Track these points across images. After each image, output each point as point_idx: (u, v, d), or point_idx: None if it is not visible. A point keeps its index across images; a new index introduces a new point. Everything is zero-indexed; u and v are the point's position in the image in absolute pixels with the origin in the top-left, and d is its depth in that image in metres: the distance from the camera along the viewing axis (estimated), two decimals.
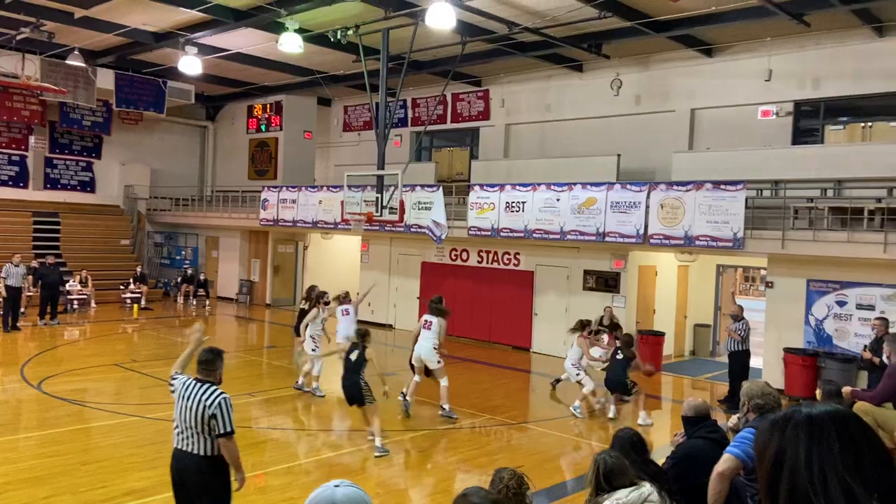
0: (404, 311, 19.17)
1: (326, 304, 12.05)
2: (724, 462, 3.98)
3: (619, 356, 10.70)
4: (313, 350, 11.70)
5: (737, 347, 12.01)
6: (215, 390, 4.94)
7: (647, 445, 4.33)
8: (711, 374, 14.36)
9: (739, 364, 11.95)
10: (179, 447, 5.01)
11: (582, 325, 11.50)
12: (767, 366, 13.02)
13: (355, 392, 8.71)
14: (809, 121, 15.39)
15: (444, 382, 10.56)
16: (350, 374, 8.74)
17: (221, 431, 4.84)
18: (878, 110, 14.56)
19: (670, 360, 15.48)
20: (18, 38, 17.31)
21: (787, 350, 12.67)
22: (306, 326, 11.74)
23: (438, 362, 10.59)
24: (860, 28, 13.76)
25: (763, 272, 16.83)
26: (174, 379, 5.19)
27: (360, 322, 19.69)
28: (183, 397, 4.96)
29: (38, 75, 19.42)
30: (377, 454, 8.56)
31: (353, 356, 8.78)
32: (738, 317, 12.18)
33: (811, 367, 12.36)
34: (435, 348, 10.52)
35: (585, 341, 11.42)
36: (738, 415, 4.48)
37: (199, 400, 4.87)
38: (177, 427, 5.02)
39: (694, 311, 16.56)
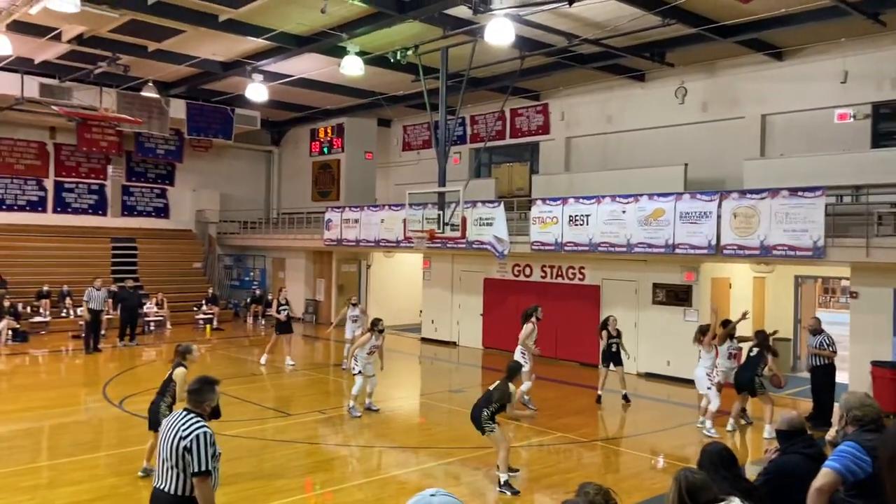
0: (467, 328, 19.09)
1: (381, 331, 11.58)
2: (823, 477, 3.73)
3: (752, 354, 10.78)
4: (353, 368, 11.45)
5: (819, 363, 11.44)
6: (196, 422, 4.41)
7: (738, 460, 4.11)
8: (793, 390, 13.70)
9: (824, 380, 11.37)
10: (156, 485, 4.50)
11: (702, 332, 11.19)
12: (853, 380, 12.32)
13: (152, 418, 7.84)
14: (889, 123, 14.66)
15: (523, 387, 11.14)
16: (158, 396, 7.96)
17: (195, 469, 4.28)
18: None
19: None
20: (96, 72, 18.23)
21: (875, 363, 11.96)
22: (355, 349, 11.57)
23: (523, 366, 11.12)
24: None
25: (844, 283, 16.03)
26: None
27: (428, 340, 19.83)
28: (165, 428, 4.52)
29: (115, 107, 20.39)
30: None
31: (169, 375, 7.91)
32: (816, 330, 11.61)
33: None
34: (523, 353, 11.58)
35: (708, 344, 11.00)
36: (835, 428, 4.21)
37: (177, 431, 4.37)
38: (158, 462, 4.56)
39: (772, 324, 15.80)
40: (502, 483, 7.99)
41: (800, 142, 15.23)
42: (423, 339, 20.13)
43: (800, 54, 15.42)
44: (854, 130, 14.66)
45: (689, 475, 3.44)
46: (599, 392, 12.76)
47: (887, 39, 13.96)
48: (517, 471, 8.49)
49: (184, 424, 4.39)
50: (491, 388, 8.36)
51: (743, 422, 11.27)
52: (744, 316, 11.56)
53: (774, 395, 11.47)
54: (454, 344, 19.32)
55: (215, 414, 4.66)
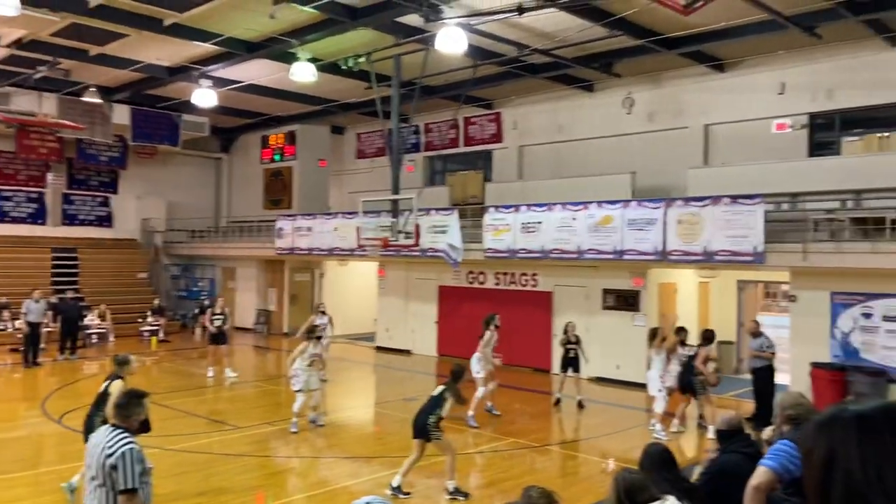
0: (422, 336, 19.07)
1: (318, 338, 11.10)
2: (759, 475, 3.84)
3: (691, 354, 11.00)
4: (294, 384, 10.95)
5: (760, 364, 11.81)
6: (123, 438, 4.24)
7: (677, 461, 4.21)
8: (736, 391, 14.09)
9: (765, 381, 11.73)
10: (86, 503, 4.37)
11: (653, 335, 11.40)
12: (794, 381, 12.74)
13: (88, 432, 7.00)
14: (825, 133, 15.27)
15: (478, 393, 11.22)
16: (93, 408, 7.47)
17: (121, 487, 4.13)
18: (894, 121, 14.40)
19: None
20: (36, 77, 17.66)
21: (814, 365, 12.41)
22: (293, 360, 11.03)
23: (477, 373, 11.49)
24: (873, 39, 13.69)
25: (784, 287, 16.60)
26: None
27: (383, 349, 19.73)
28: (92, 444, 4.37)
29: (56, 113, 19.78)
30: None
31: (104, 387, 7.46)
32: (756, 333, 11.99)
33: (839, 381, 12.06)
34: (479, 360, 11.70)
35: (659, 349, 11.17)
36: (771, 427, 4.35)
37: (103, 447, 4.21)
38: (86, 480, 4.39)
39: (716, 327, 16.24)
40: (452, 490, 7.99)
41: (741, 151, 15.74)
42: (378, 348, 20.02)
43: (740, 66, 15.95)
44: (792, 140, 15.22)
45: (628, 476, 3.52)
46: (558, 395, 12.99)
47: (822, 52, 14.55)
48: (408, 493, 8.11)
49: (110, 441, 4.23)
50: (434, 393, 8.32)
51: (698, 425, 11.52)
52: (683, 330, 11.80)
53: (720, 396, 11.78)
54: (409, 352, 19.27)
55: (144, 428, 4.51)
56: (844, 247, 11.71)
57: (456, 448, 8.42)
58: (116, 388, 7.31)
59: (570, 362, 12.80)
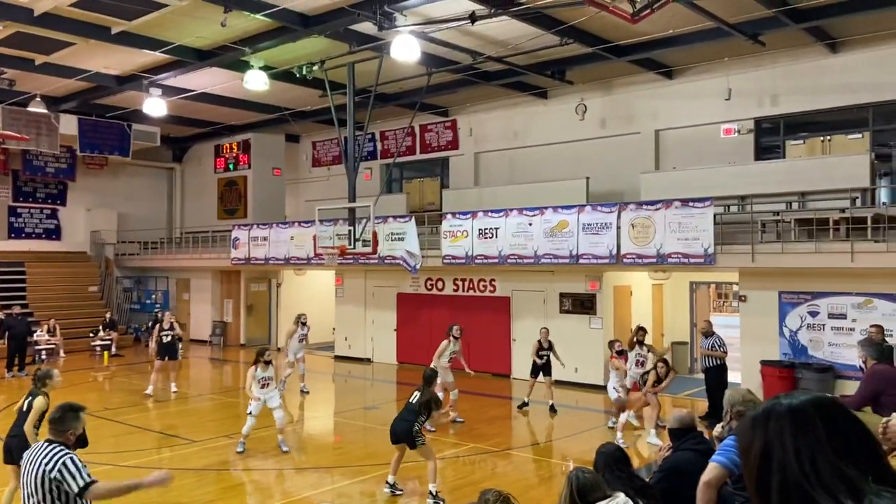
0: (381, 344, 18.99)
1: (267, 363, 10.47)
2: (710, 471, 3.94)
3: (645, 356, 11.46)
4: (249, 404, 10.46)
5: (712, 363, 12.09)
6: (57, 451, 4.13)
7: (630, 460, 4.29)
8: (691, 391, 14.39)
9: (717, 379, 12.00)
10: None
11: (610, 346, 11.55)
12: (745, 379, 13.08)
13: (17, 445, 6.83)
14: (770, 137, 15.75)
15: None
16: (15, 427, 7.21)
17: (77, 490, 4.02)
18: (835, 124, 14.95)
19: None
20: None
21: (764, 363, 12.76)
22: (249, 386, 10.40)
23: (437, 372, 11.61)
24: (814, 45, 14.19)
25: (735, 288, 17.04)
26: None
27: (342, 358, 19.56)
28: (26, 461, 4.24)
29: (0, 124, 19.13)
30: None
31: (25, 404, 7.18)
32: (708, 332, 12.28)
33: (788, 378, 12.45)
34: (433, 366, 11.59)
35: (617, 361, 11.36)
36: (721, 424, 4.46)
37: (39, 463, 4.08)
38: (23, 498, 4.25)
39: (670, 328, 16.65)
40: (434, 493, 8.01)
41: (690, 155, 16.11)
42: (337, 357, 19.86)
43: (688, 73, 16.35)
44: (739, 144, 15.66)
45: (581, 475, 3.57)
46: (525, 399, 13.10)
47: (767, 59, 15.01)
48: (401, 491, 8.41)
49: (46, 456, 4.11)
50: (411, 400, 8.34)
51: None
52: (641, 330, 12.09)
53: (674, 395, 12.02)
54: (368, 360, 19.16)
55: (82, 443, 4.38)
56: (790, 247, 12.08)
57: (436, 452, 8.49)
58: (38, 404, 6.93)
59: (542, 367, 12.91)
